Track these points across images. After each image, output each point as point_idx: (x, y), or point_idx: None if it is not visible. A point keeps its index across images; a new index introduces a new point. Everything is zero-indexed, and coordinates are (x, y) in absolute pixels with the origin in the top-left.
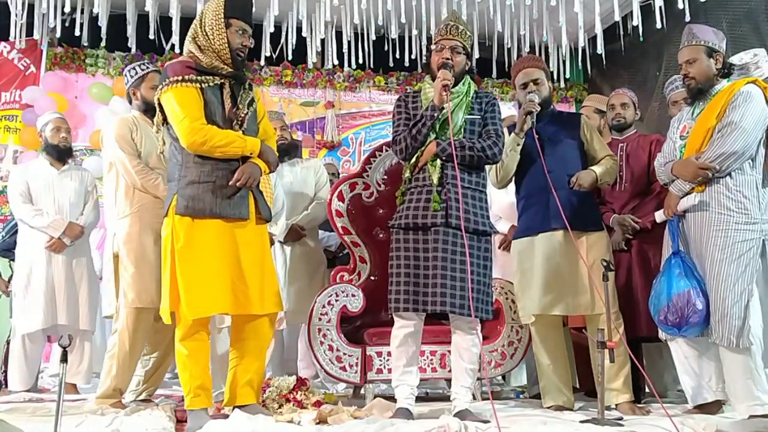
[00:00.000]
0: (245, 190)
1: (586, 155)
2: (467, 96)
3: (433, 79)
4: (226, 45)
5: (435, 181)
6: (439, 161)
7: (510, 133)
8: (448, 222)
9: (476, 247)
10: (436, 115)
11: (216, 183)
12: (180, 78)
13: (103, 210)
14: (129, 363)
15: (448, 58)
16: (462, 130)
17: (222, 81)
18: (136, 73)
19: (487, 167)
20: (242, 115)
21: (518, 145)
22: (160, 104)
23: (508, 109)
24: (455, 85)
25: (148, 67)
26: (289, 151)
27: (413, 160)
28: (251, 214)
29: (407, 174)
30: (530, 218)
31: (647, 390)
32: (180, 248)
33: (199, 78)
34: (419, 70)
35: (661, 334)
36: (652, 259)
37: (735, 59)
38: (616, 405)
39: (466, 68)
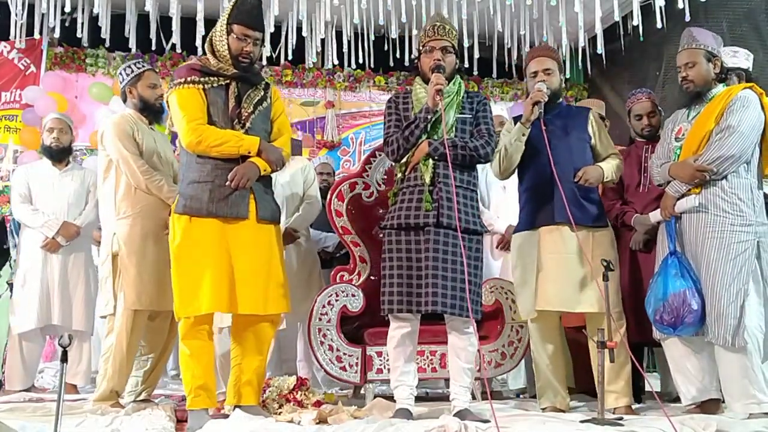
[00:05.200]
0: (246, 190)
1: (593, 150)
2: (458, 95)
3: (425, 81)
4: (227, 50)
5: (427, 180)
6: (431, 161)
7: (516, 123)
8: (440, 222)
9: (467, 246)
10: (429, 117)
11: (215, 182)
12: (183, 80)
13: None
14: (126, 364)
15: (439, 60)
16: (453, 129)
17: (227, 82)
18: (132, 71)
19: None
20: (245, 114)
21: (523, 135)
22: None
23: (500, 110)
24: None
25: (143, 66)
26: None
27: (404, 160)
28: (251, 213)
29: (399, 174)
30: (533, 211)
31: (647, 389)
32: (176, 246)
33: (202, 80)
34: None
35: (655, 334)
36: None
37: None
38: (614, 409)
39: (456, 67)
